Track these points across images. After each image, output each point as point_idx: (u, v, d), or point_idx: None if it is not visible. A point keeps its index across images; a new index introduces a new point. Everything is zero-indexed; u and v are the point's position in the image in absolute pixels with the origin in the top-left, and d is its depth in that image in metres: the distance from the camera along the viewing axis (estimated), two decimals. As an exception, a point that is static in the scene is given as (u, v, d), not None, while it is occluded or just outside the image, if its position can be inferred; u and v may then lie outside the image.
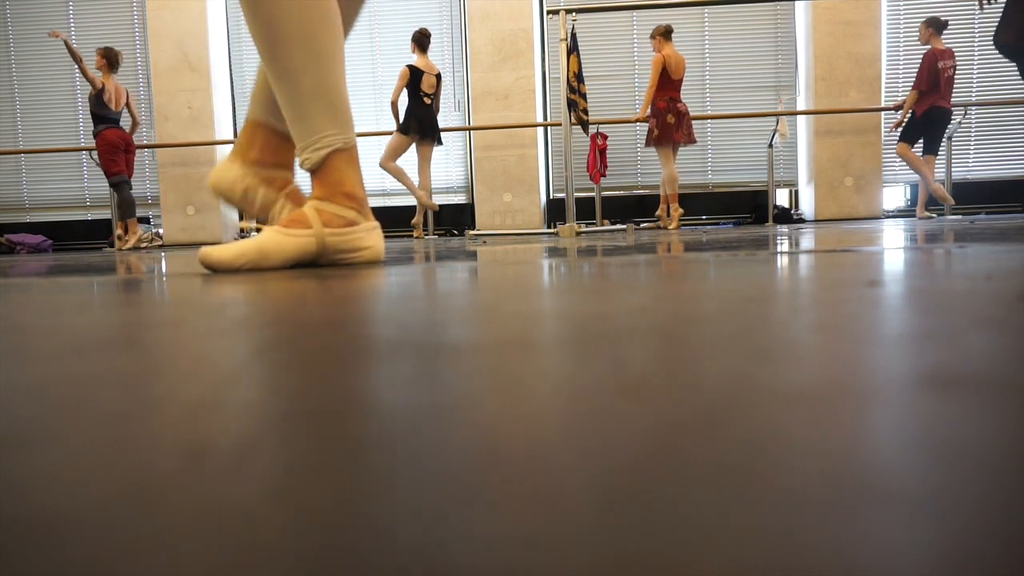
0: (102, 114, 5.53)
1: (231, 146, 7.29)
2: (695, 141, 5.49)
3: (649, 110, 5.35)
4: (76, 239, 7.36)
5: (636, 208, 6.93)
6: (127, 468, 0.20)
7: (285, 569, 0.13)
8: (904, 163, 5.76)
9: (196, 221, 6.94)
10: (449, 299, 0.65)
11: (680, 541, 0.14)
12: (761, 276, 0.78)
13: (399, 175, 5.36)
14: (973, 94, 6.59)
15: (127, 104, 5.69)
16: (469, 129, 6.68)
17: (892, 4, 6.63)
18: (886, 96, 6.50)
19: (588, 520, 0.15)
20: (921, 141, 5.43)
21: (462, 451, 0.20)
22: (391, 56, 6.90)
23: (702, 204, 6.92)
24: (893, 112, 5.95)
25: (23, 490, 0.18)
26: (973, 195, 6.58)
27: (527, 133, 6.65)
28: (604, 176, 6.10)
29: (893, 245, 1.39)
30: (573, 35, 4.62)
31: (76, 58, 5.30)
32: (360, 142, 5.99)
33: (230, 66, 7.22)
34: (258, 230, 6.52)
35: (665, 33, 5.32)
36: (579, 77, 4.68)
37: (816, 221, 6.25)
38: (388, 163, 5.31)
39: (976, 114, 6.60)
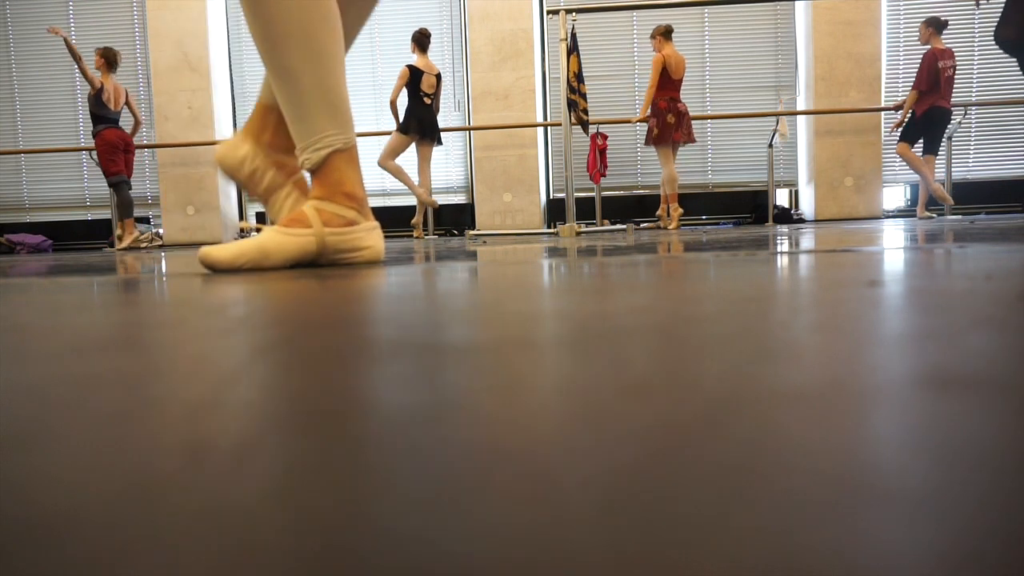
0: (101, 114, 5.54)
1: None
2: (694, 140, 5.50)
3: (649, 110, 5.36)
4: (76, 239, 7.36)
5: (636, 208, 6.93)
6: (127, 468, 0.20)
7: (285, 569, 0.13)
8: (904, 163, 5.76)
9: (196, 221, 6.94)
10: (449, 299, 0.65)
11: (680, 541, 0.14)
12: (761, 276, 0.78)
13: (398, 173, 5.36)
14: (973, 94, 6.59)
15: (127, 103, 5.69)
16: (469, 129, 6.68)
17: (892, 4, 6.63)
18: (886, 96, 6.51)
19: (588, 520, 0.15)
20: (921, 141, 5.43)
21: (462, 451, 0.20)
22: (391, 56, 6.90)
23: (702, 204, 6.92)
24: (893, 112, 5.95)
25: (23, 490, 0.18)
26: (973, 195, 6.58)
27: (527, 133, 6.65)
28: (604, 176, 6.10)
29: (893, 245, 1.39)
30: (573, 35, 4.63)
31: (75, 57, 5.30)
32: (360, 142, 6.00)
33: (230, 66, 7.22)
34: (258, 230, 6.53)
35: (665, 33, 5.32)
36: (579, 77, 4.68)
37: (816, 221, 6.25)
38: (386, 161, 5.31)
39: (976, 114, 6.61)
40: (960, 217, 5.34)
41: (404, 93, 5.28)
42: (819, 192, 6.47)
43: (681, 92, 5.45)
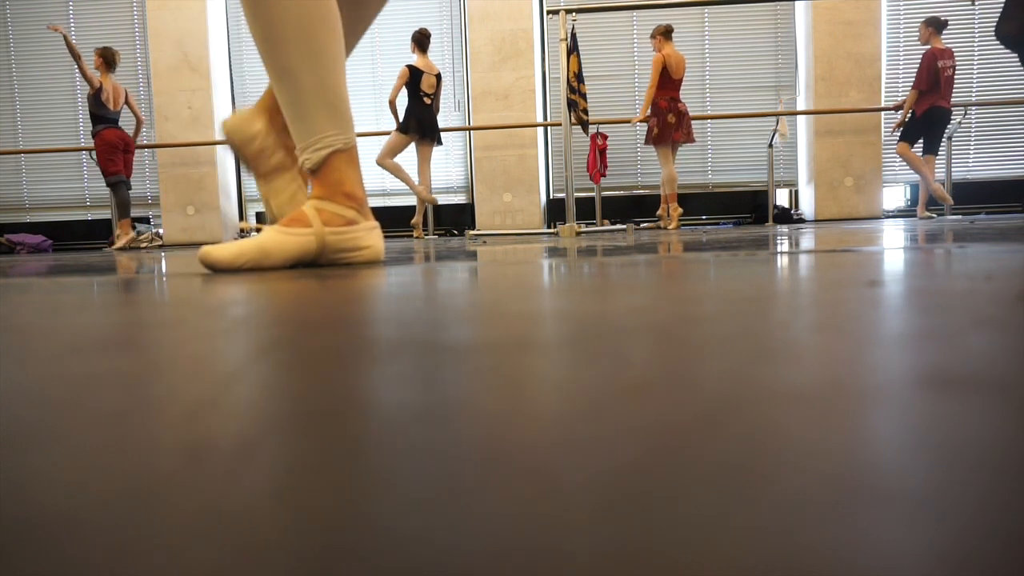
0: (101, 114, 5.54)
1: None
2: (694, 140, 5.50)
3: (650, 110, 5.36)
4: (76, 239, 7.36)
5: (636, 208, 6.93)
6: (127, 468, 0.20)
7: (285, 569, 0.13)
8: (904, 163, 5.76)
9: (196, 221, 6.94)
10: (449, 299, 0.65)
11: (680, 541, 0.14)
12: (761, 276, 0.78)
13: (396, 171, 5.35)
14: (973, 94, 6.59)
15: (127, 103, 5.69)
16: (469, 129, 6.68)
17: (892, 4, 6.63)
18: (886, 96, 6.51)
19: (588, 520, 0.15)
20: (921, 141, 5.43)
21: (462, 451, 0.20)
22: (391, 56, 6.90)
23: (702, 204, 6.92)
24: (893, 112, 5.95)
25: (23, 490, 0.18)
26: (973, 195, 6.58)
27: (527, 133, 6.65)
28: (604, 176, 6.10)
29: (893, 245, 1.39)
30: (573, 35, 4.63)
31: (75, 55, 5.30)
32: (360, 142, 5.99)
33: (230, 66, 7.22)
34: (258, 230, 6.52)
35: (665, 33, 5.32)
36: (579, 77, 4.68)
37: (816, 221, 6.25)
38: (384, 160, 5.31)
39: (976, 114, 6.61)
40: (960, 217, 5.34)
41: (404, 93, 5.28)
42: (819, 192, 6.47)
43: (681, 92, 5.45)
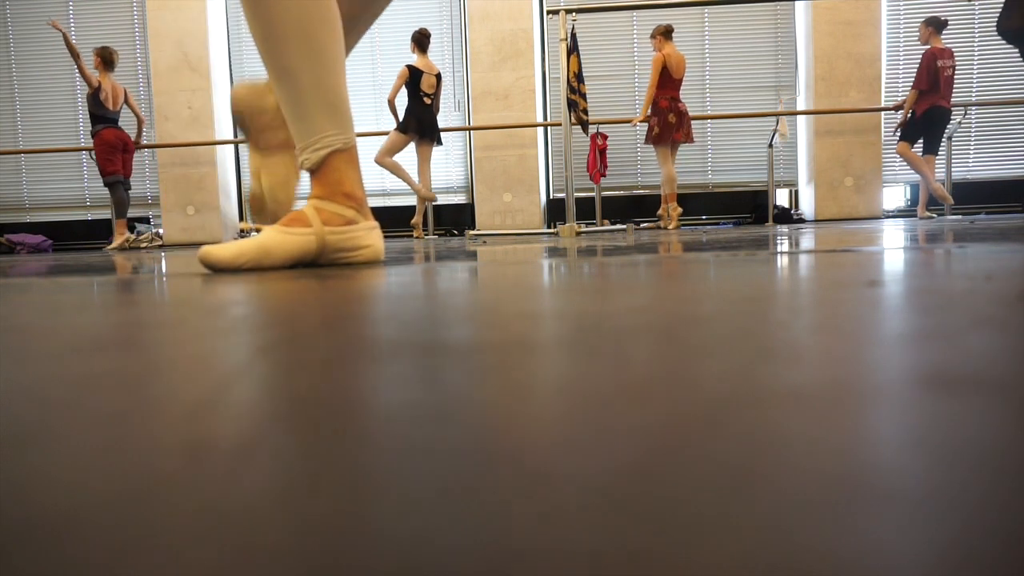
0: (100, 114, 5.53)
1: (231, 146, 7.24)
2: (692, 141, 5.50)
3: (650, 109, 5.36)
4: (76, 239, 7.36)
5: (636, 208, 6.93)
6: (127, 468, 0.20)
7: (285, 569, 0.13)
8: (904, 163, 5.76)
9: (196, 221, 6.94)
10: (449, 299, 0.65)
11: (680, 541, 0.14)
12: (761, 276, 0.78)
13: (395, 169, 5.34)
14: (973, 94, 6.59)
15: (127, 103, 5.68)
16: (469, 129, 6.68)
17: (892, 4, 6.63)
18: (886, 96, 6.51)
19: (588, 520, 0.15)
20: (921, 141, 5.43)
21: (462, 451, 0.20)
22: (391, 56, 6.90)
23: (702, 204, 6.92)
24: (893, 112, 5.95)
25: (23, 490, 0.18)
26: (973, 195, 6.58)
27: (527, 133, 6.65)
28: (604, 176, 6.10)
29: (893, 245, 1.39)
30: (573, 35, 4.63)
31: (74, 53, 5.29)
32: (360, 142, 6.00)
33: (230, 66, 7.22)
34: (258, 230, 6.52)
35: (665, 33, 5.32)
36: (579, 77, 4.68)
37: (816, 221, 6.25)
38: (383, 158, 5.30)
39: (976, 114, 6.61)
40: (960, 217, 5.34)
41: (404, 93, 5.28)
42: (819, 192, 6.47)
43: (681, 92, 5.45)
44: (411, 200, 6.60)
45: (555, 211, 6.95)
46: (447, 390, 0.28)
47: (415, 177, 5.51)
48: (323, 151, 1.40)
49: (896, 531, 0.14)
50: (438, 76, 5.38)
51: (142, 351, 0.41)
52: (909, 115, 5.41)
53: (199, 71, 6.82)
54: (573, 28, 4.63)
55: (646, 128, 5.47)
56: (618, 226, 5.58)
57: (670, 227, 5.32)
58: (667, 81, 5.31)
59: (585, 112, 4.75)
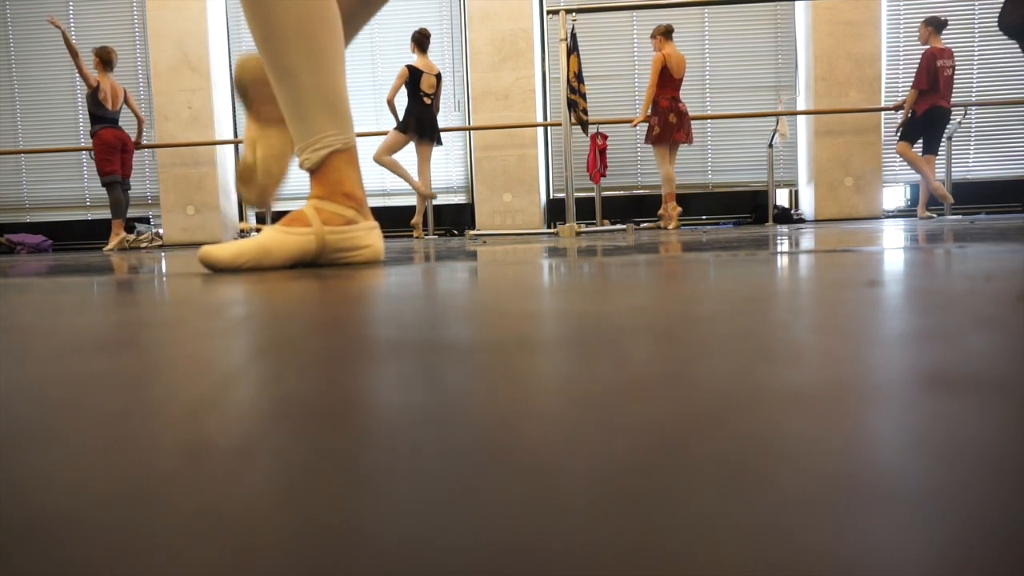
0: (99, 113, 5.53)
1: (231, 146, 7.24)
2: (692, 141, 5.50)
3: (650, 109, 5.36)
4: (76, 239, 7.36)
5: (636, 208, 6.93)
6: (127, 468, 0.20)
7: (285, 569, 0.13)
8: (904, 162, 5.76)
9: (196, 221, 6.94)
10: (450, 299, 0.65)
11: (680, 540, 0.14)
12: (761, 276, 0.78)
13: (393, 167, 5.34)
14: (973, 94, 6.59)
15: (127, 103, 5.68)
16: (469, 129, 6.68)
17: (892, 4, 6.63)
18: (886, 96, 6.50)
19: (588, 520, 0.15)
20: (921, 141, 5.43)
21: (462, 450, 0.20)
22: (391, 56, 6.90)
23: (702, 204, 6.92)
24: (893, 112, 5.95)
25: (23, 490, 0.18)
26: (973, 195, 6.58)
27: (527, 133, 6.65)
28: (604, 176, 6.10)
29: (893, 245, 1.39)
30: (573, 35, 4.63)
31: (73, 52, 5.28)
32: (360, 142, 6.00)
33: (230, 66, 7.21)
34: (258, 230, 6.52)
35: (665, 33, 5.32)
36: (579, 77, 4.68)
37: (816, 221, 6.25)
38: (382, 157, 5.30)
39: (976, 114, 6.60)
40: (960, 217, 5.34)
41: (404, 93, 5.28)
42: (819, 192, 6.47)
43: (681, 92, 5.45)
44: (411, 200, 6.60)
45: (555, 211, 6.95)
46: (447, 390, 0.28)
47: (415, 176, 5.51)
48: (323, 151, 1.40)
49: (896, 531, 0.14)
50: (438, 76, 5.38)
51: (142, 351, 0.41)
52: (909, 115, 5.41)
53: (199, 71, 6.82)
54: (573, 28, 4.63)
55: (646, 128, 5.47)
56: (618, 226, 5.58)
57: (670, 227, 5.32)
58: (667, 81, 5.31)
59: (585, 112, 4.75)
